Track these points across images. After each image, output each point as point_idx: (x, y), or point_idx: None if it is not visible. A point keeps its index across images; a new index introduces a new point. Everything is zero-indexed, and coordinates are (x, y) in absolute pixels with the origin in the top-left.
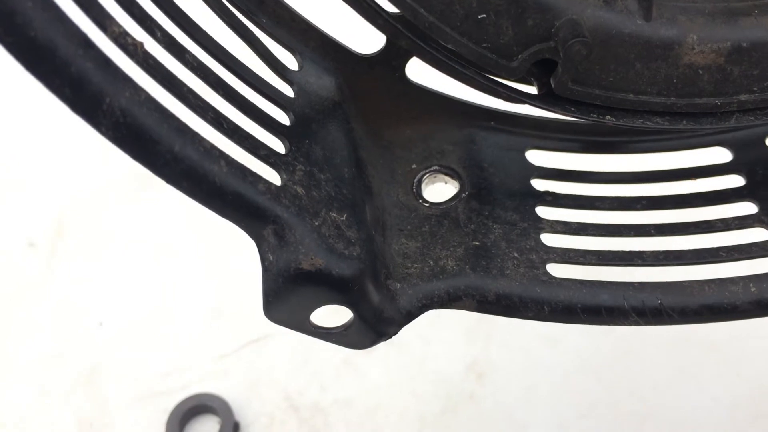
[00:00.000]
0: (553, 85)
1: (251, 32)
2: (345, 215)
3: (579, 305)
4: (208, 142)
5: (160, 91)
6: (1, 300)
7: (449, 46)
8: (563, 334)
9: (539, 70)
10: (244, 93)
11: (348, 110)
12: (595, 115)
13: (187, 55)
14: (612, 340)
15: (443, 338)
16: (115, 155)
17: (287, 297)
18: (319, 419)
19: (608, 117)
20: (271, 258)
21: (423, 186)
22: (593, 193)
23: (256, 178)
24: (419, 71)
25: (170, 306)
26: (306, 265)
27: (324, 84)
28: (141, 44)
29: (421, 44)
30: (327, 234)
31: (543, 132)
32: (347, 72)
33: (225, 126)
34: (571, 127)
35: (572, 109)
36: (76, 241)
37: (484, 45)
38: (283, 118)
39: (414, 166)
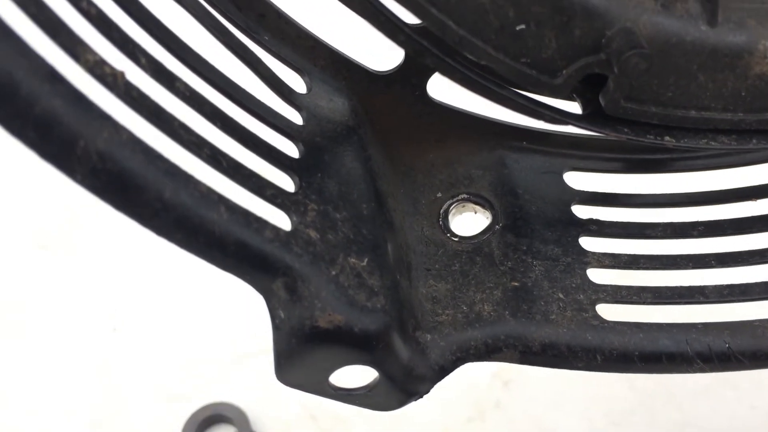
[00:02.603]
0: (603, 104)
1: (251, 52)
2: (366, 260)
3: (636, 353)
4: (204, 185)
5: (146, 128)
6: (12, 304)
7: (482, 62)
8: None
9: (584, 86)
10: (246, 123)
11: (364, 135)
12: (652, 136)
13: (178, 84)
14: None
15: None
16: None
17: (302, 359)
18: (340, 429)
19: (667, 138)
20: (282, 315)
21: (450, 217)
22: (642, 220)
23: (262, 223)
24: (441, 88)
25: (186, 311)
26: (323, 323)
27: (336, 107)
28: (122, 74)
29: (449, 61)
30: (346, 284)
31: (581, 151)
32: (361, 92)
33: (224, 164)
34: (613, 145)
35: (625, 129)
36: (88, 244)
37: (523, 60)
38: (291, 150)
39: (439, 194)
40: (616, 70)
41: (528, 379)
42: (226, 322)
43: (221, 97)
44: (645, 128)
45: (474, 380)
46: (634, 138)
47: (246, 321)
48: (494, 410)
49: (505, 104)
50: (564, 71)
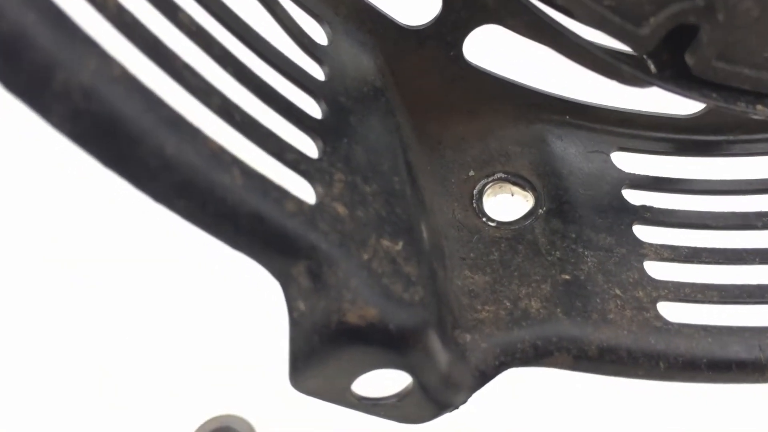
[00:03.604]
0: (690, 63)
1: None
2: (401, 243)
3: (704, 360)
4: (215, 142)
5: (143, 63)
6: (15, 310)
7: (559, 1)
8: None
9: (664, 44)
10: (261, 72)
11: (392, 99)
12: (743, 104)
13: (182, 15)
14: None
15: None
16: None
17: (324, 361)
18: None
19: (759, 107)
20: (302, 307)
21: (484, 199)
22: (702, 208)
23: (283, 193)
24: (475, 52)
25: (193, 322)
26: (353, 318)
27: (361, 64)
28: None
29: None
30: (380, 271)
31: (630, 129)
32: (388, 49)
33: (237, 118)
34: (665, 123)
35: (714, 95)
36: (95, 253)
37: (607, 3)
38: (313, 108)
39: (471, 173)
40: (720, 17)
41: (531, 382)
42: (234, 332)
43: (232, 38)
44: (734, 94)
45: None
46: (723, 105)
47: (254, 331)
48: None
49: (577, 57)
50: (651, 19)
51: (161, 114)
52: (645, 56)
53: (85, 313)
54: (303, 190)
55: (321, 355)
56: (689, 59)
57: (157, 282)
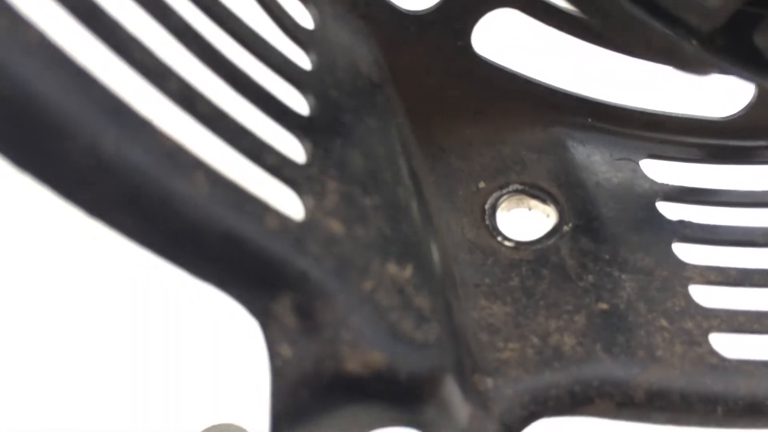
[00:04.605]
0: (762, 44)
1: None
2: (410, 268)
3: None
4: (172, 139)
5: (74, 31)
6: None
7: None
8: None
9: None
10: (233, 55)
11: (391, 96)
12: None
13: None
14: None
15: None
16: None
17: (316, 423)
18: None
19: None
20: (288, 353)
21: (498, 215)
22: (748, 223)
23: (262, 206)
24: (486, 43)
25: (190, 330)
26: (354, 366)
27: (355, 53)
28: None
29: None
30: (386, 305)
31: (660, 133)
32: (385, 37)
33: (201, 109)
34: (699, 125)
35: None
36: (93, 255)
37: None
38: (299, 103)
39: (482, 184)
40: None
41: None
42: (232, 339)
43: (198, 12)
44: None
45: None
46: None
47: (252, 339)
48: None
49: (616, 34)
50: None
51: (94, 97)
52: (694, 40)
53: (78, 319)
54: (288, 202)
55: (312, 414)
56: (760, 40)
57: (153, 287)
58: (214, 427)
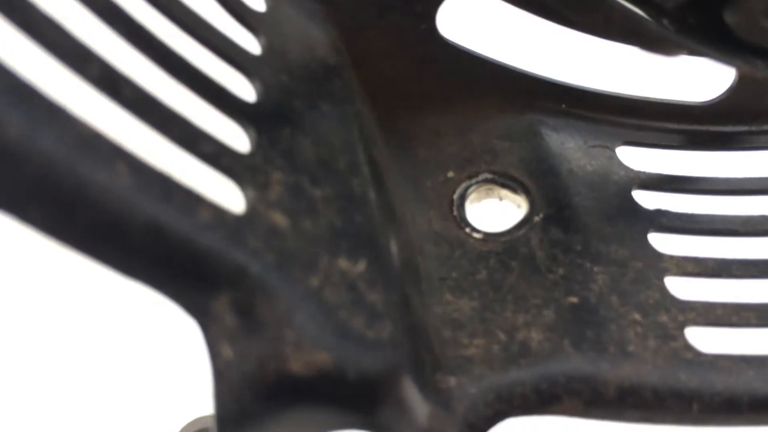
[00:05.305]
0: (732, 21)
1: None
2: (362, 263)
3: (746, 398)
4: (87, 126)
5: None
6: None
7: None
8: None
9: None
10: (166, 36)
11: (349, 82)
12: None
13: None
14: None
15: None
16: None
17: (262, 427)
18: None
19: None
20: (228, 353)
21: (467, 205)
22: (728, 212)
23: (193, 198)
24: (452, 26)
25: (173, 322)
26: (298, 366)
27: (310, 37)
28: None
29: None
30: (334, 301)
31: (637, 119)
32: (343, 21)
33: (127, 94)
34: (678, 110)
35: (758, 62)
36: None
37: None
38: (243, 88)
39: (450, 174)
40: None
41: None
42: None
43: None
44: None
45: None
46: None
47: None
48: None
49: (580, 16)
50: None
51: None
52: (665, 19)
53: (68, 313)
54: (226, 194)
55: (256, 418)
56: (730, 17)
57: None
58: (200, 419)
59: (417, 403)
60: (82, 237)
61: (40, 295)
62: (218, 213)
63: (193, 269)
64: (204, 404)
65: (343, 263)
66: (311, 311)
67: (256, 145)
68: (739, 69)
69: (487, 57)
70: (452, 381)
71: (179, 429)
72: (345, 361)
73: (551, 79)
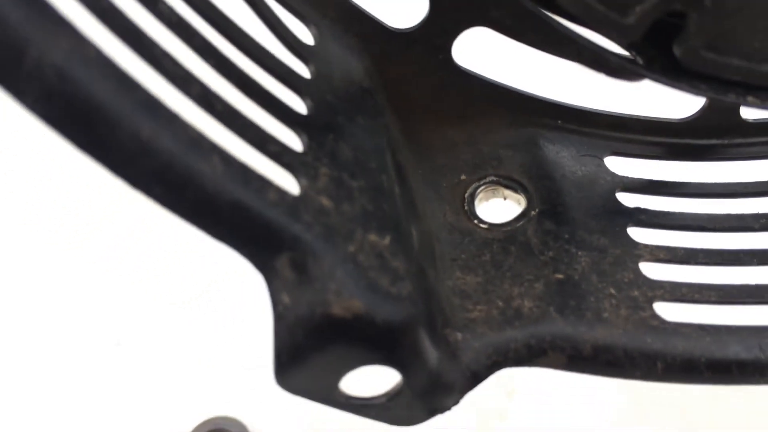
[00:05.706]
0: (678, 54)
1: None
2: (388, 238)
3: (703, 360)
4: (194, 128)
5: (118, 48)
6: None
7: None
8: None
9: (651, 36)
10: (243, 65)
11: (381, 101)
12: (733, 95)
13: (161, 5)
14: None
15: None
16: None
17: (310, 357)
18: None
19: (750, 98)
20: (287, 300)
21: (476, 202)
22: (698, 210)
23: (265, 183)
24: (464, 56)
25: (185, 325)
26: (338, 310)
27: (349, 65)
28: None
29: None
30: (366, 264)
31: (623, 133)
32: (375, 52)
33: (218, 108)
34: (658, 126)
35: (703, 86)
36: (93, 254)
37: None
38: (298, 105)
39: (463, 177)
40: (707, 3)
41: (533, 390)
42: (227, 334)
43: (212, 31)
44: (725, 86)
45: (476, 391)
46: (714, 95)
47: (247, 333)
48: (498, 421)
49: (561, 49)
50: (637, 7)
51: (137, 97)
52: (632, 51)
53: (78, 312)
54: (287, 182)
55: (306, 350)
56: (677, 50)
57: (151, 282)
58: (210, 420)
59: (429, 350)
60: (189, 209)
61: (53, 298)
62: (282, 194)
63: (262, 235)
64: (215, 405)
65: (373, 237)
66: (348, 270)
67: (308, 147)
68: (686, 92)
69: (495, 81)
70: (458, 336)
71: (191, 429)
72: (373, 308)
73: (549, 99)
